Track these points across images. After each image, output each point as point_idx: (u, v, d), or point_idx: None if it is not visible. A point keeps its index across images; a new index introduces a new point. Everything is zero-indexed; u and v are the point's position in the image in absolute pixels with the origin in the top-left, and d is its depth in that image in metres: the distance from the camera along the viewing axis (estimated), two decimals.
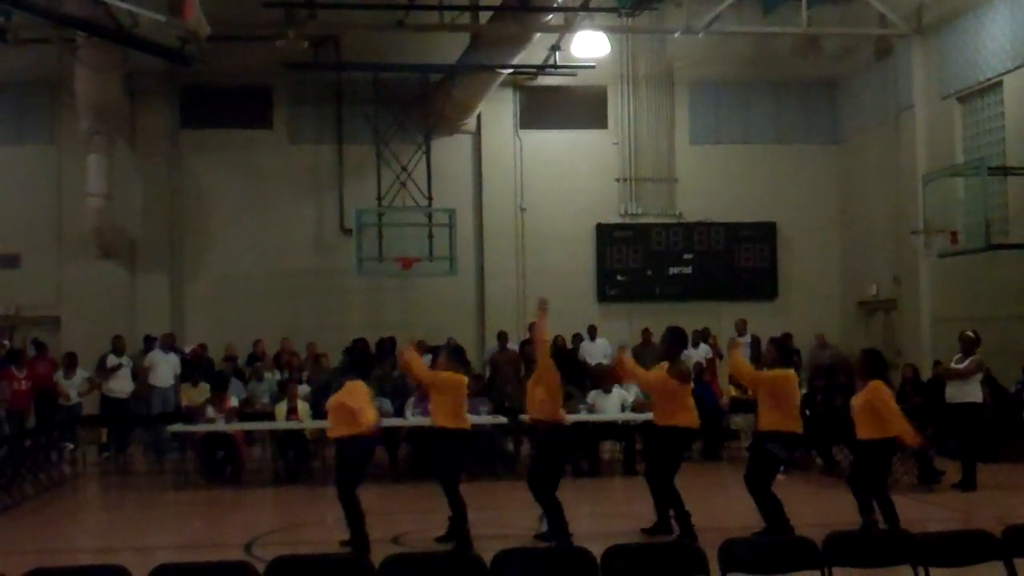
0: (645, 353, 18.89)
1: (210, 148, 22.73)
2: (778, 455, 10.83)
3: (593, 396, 16.48)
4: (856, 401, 11.11)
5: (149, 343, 20.14)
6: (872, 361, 11.31)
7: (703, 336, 21.16)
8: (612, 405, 16.30)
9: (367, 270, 21.30)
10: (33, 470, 15.41)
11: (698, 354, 20.95)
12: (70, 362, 18.72)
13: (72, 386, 18.48)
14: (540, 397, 10.79)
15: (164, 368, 19.52)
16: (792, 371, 11.21)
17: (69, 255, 21.97)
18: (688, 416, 11.20)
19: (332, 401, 10.85)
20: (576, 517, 10.74)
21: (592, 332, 21.44)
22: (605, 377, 16.91)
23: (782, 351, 11.43)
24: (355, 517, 10.47)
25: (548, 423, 10.81)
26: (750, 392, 11.45)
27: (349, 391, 10.68)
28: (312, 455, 16.43)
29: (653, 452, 11.35)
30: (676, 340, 11.70)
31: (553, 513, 10.61)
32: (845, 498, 11.11)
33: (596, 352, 20.94)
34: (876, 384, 11.00)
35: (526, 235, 23.21)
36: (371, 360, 11.87)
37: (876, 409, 10.80)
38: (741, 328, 21.36)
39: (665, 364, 11.28)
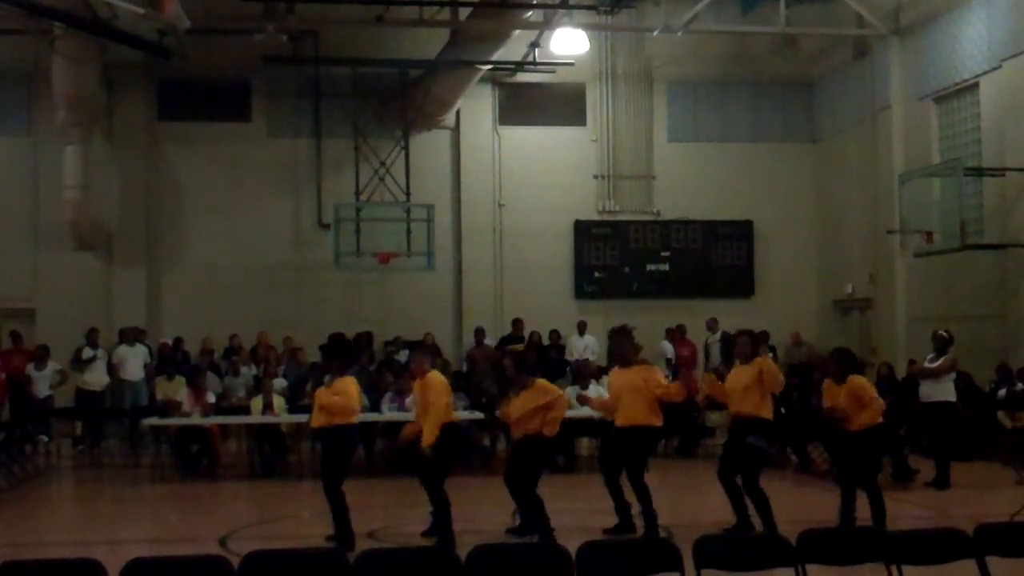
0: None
1: (188, 141, 22.66)
2: (761, 447, 10.85)
3: (570, 392, 16.48)
4: (840, 398, 11.17)
5: (124, 336, 20.10)
6: (846, 361, 11.46)
7: (671, 334, 21.40)
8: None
9: (345, 265, 21.27)
10: (7, 463, 15.35)
11: (667, 350, 21.11)
12: (42, 354, 18.62)
13: (43, 378, 18.39)
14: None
15: (133, 362, 19.45)
16: (768, 359, 11.26)
17: (45, 247, 21.83)
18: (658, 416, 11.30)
19: (323, 398, 10.82)
20: (552, 513, 10.74)
21: (581, 328, 21.52)
22: (585, 374, 16.95)
23: (756, 345, 11.42)
24: (341, 512, 10.46)
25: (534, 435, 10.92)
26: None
27: (342, 388, 10.71)
28: (288, 449, 16.41)
29: (629, 453, 11.30)
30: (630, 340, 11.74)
31: (535, 510, 10.63)
32: (819, 495, 11.20)
33: (584, 348, 20.99)
34: (853, 378, 11.19)
35: (504, 231, 23.23)
36: (353, 351, 11.80)
37: (861, 398, 10.97)
38: (713, 326, 21.50)
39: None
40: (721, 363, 19.35)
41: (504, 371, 11.80)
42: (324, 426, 10.72)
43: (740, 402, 10.99)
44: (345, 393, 10.71)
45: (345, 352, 11.32)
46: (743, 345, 11.25)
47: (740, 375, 11.09)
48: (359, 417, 11.14)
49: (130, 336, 19.74)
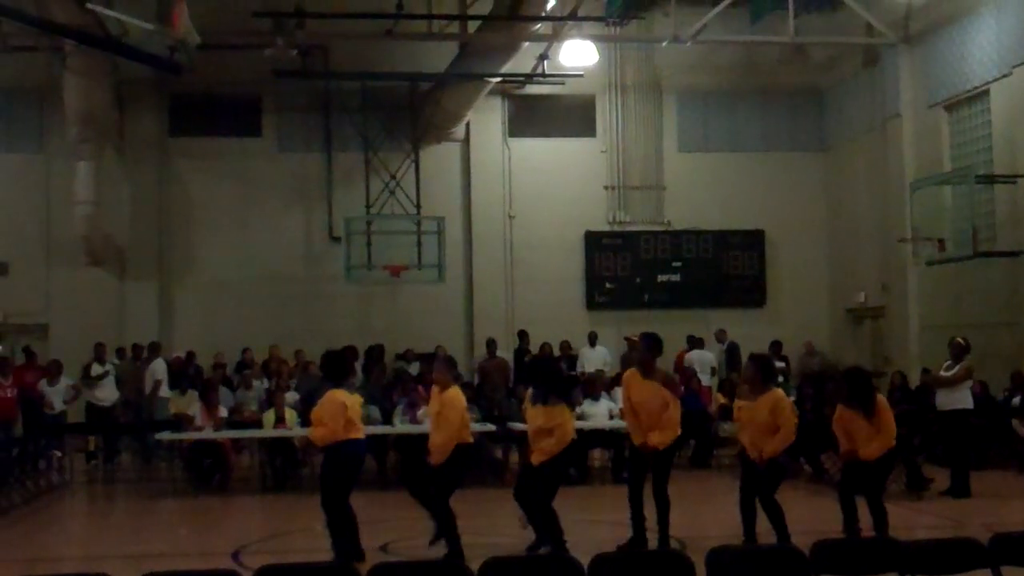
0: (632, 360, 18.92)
1: (199, 156, 22.73)
2: (780, 462, 10.72)
3: (584, 405, 16.46)
4: (860, 422, 11.06)
5: (137, 351, 20.13)
6: (861, 382, 11.32)
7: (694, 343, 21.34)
8: (600, 413, 16.31)
9: (356, 278, 21.31)
10: (21, 478, 15.37)
11: (709, 358, 20.99)
12: (54, 370, 18.65)
13: (56, 393, 18.39)
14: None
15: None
16: (779, 391, 10.93)
17: (57, 262, 21.93)
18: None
19: (313, 413, 10.86)
20: (564, 525, 10.71)
21: (592, 339, 21.48)
22: (596, 385, 16.92)
23: (765, 372, 10.90)
24: (345, 528, 10.40)
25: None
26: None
27: (327, 400, 10.66)
28: (300, 463, 16.40)
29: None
30: (655, 347, 11.27)
31: (548, 521, 10.58)
32: (833, 506, 11.12)
33: (595, 359, 20.94)
34: (881, 399, 11.13)
35: (514, 243, 23.23)
36: (343, 364, 11.60)
37: (884, 423, 10.91)
38: (721, 337, 21.50)
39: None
40: (732, 372, 19.41)
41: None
42: (326, 445, 10.67)
43: (755, 439, 10.62)
44: (319, 420, 10.60)
45: (333, 365, 11.20)
46: (748, 371, 10.99)
47: (753, 412, 10.65)
48: (362, 433, 11.05)
49: (155, 350, 19.87)
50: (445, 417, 10.66)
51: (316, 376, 19.09)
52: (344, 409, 10.47)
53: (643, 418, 10.93)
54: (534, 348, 21.04)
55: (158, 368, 19.60)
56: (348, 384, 10.99)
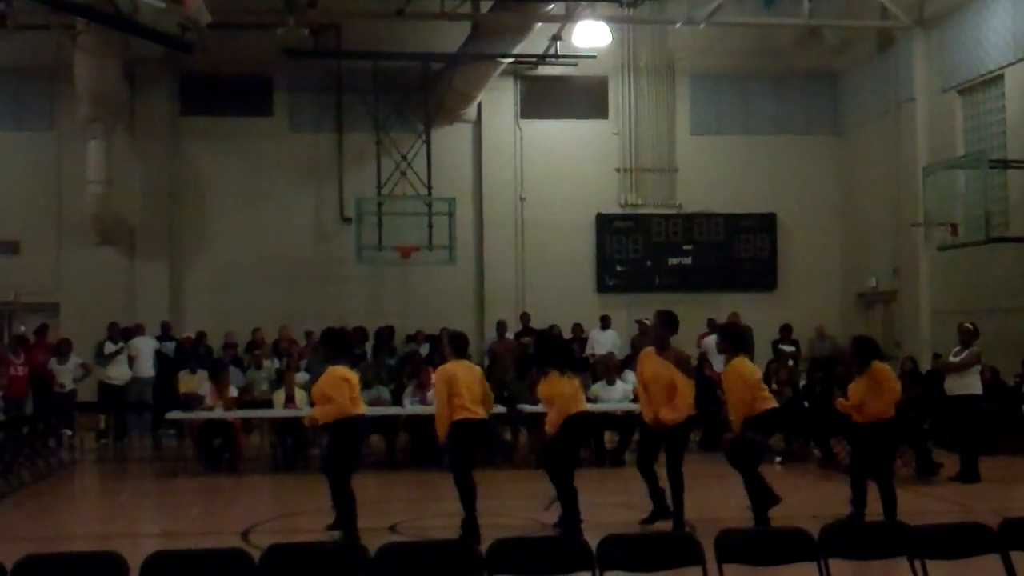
0: (644, 344, 18.84)
1: (210, 135, 22.71)
2: (757, 440, 10.77)
3: (597, 388, 16.44)
4: (857, 386, 11.13)
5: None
6: (866, 348, 11.39)
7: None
8: (617, 396, 16.27)
9: (367, 258, 21.30)
10: (31, 457, 15.41)
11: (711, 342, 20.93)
12: (64, 348, 18.69)
13: (65, 372, 18.41)
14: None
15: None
16: (744, 358, 11.01)
17: (68, 242, 21.98)
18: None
19: (314, 391, 10.93)
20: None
21: (604, 322, 21.41)
22: (610, 369, 16.89)
23: (731, 340, 11.26)
24: (347, 503, 10.44)
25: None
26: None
27: (329, 376, 10.69)
28: (310, 443, 16.42)
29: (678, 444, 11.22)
30: (670, 324, 11.29)
31: (567, 499, 10.64)
32: (843, 490, 11.12)
33: (606, 342, 20.90)
34: (878, 365, 11.15)
35: (526, 225, 23.20)
36: (345, 342, 11.62)
37: (880, 389, 10.94)
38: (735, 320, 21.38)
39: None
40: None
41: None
42: (328, 423, 10.72)
43: (733, 408, 10.83)
44: (324, 397, 10.67)
45: (332, 341, 11.24)
46: (717, 344, 11.21)
47: (725, 381, 11.00)
48: (364, 409, 11.10)
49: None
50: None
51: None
52: (347, 384, 10.52)
53: (653, 395, 11.00)
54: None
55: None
56: (347, 361, 11.03)
